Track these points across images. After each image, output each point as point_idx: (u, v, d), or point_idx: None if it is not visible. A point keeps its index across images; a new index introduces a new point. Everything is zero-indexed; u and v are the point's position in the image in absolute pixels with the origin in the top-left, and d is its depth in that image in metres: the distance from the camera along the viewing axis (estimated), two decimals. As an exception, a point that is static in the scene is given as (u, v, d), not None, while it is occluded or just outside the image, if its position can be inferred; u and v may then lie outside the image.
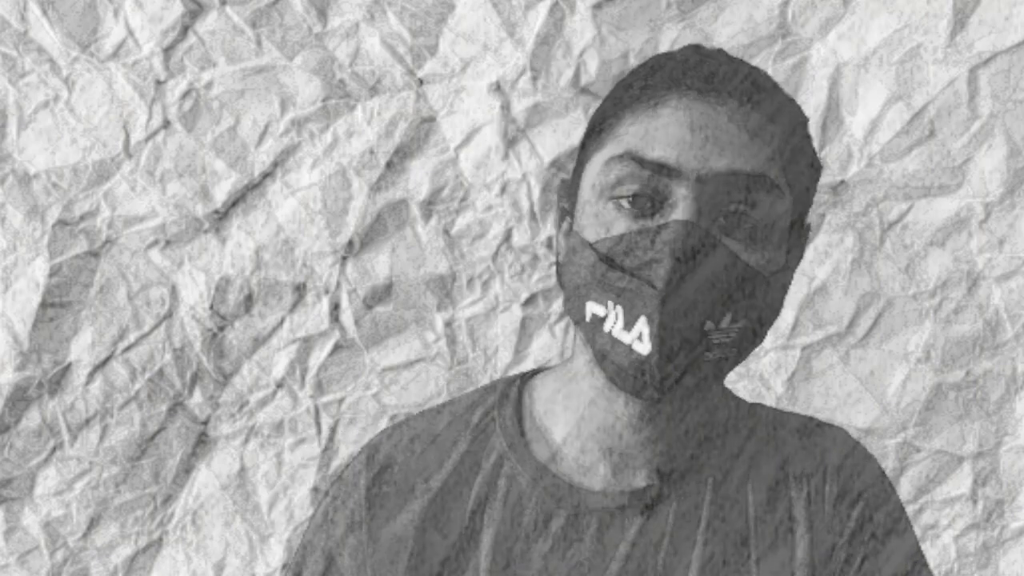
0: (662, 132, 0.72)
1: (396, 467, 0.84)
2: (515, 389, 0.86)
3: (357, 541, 0.84)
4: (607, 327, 0.73)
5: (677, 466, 0.81)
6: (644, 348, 0.71)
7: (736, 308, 0.72)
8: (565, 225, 0.80)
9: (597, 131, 0.78)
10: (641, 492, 0.81)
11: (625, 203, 0.73)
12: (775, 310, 0.78)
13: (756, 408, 0.90)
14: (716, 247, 0.70)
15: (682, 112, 0.72)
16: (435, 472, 0.83)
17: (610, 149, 0.75)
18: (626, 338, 0.72)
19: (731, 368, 0.78)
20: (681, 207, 0.71)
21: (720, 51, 0.77)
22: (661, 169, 0.71)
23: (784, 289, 0.78)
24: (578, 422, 0.81)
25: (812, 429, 0.88)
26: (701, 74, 0.74)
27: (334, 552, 0.85)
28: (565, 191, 0.82)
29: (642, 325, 0.71)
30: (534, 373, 0.89)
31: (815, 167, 0.79)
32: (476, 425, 0.85)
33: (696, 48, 0.77)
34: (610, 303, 0.73)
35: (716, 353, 0.73)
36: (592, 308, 0.74)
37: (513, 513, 0.80)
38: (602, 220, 0.74)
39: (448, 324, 1.79)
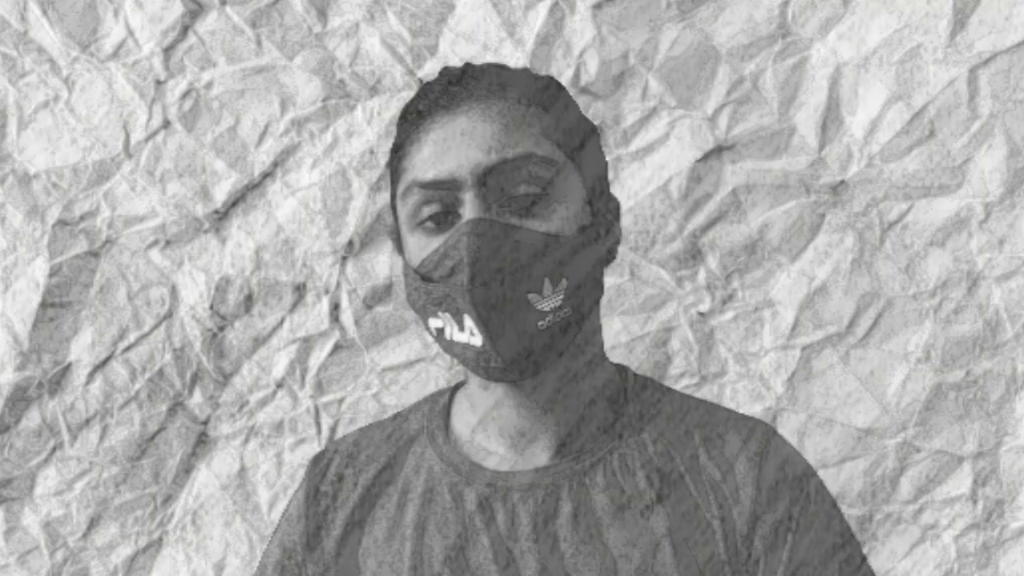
0: (430, 154, 0.80)
1: (333, 469, 0.92)
2: (446, 396, 0.93)
3: (302, 541, 0.91)
4: (448, 335, 0.81)
5: (577, 440, 0.86)
6: (477, 340, 0.79)
7: (551, 273, 0.78)
8: (401, 262, 0.87)
9: (391, 175, 0.86)
10: (544, 470, 0.85)
11: (429, 224, 0.80)
12: (600, 261, 0.84)
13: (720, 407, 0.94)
14: (506, 229, 0.77)
15: (439, 130, 0.80)
16: (367, 471, 0.90)
17: (401, 185, 0.83)
18: (463, 338, 0.80)
19: (579, 327, 0.83)
20: (468, 209, 0.78)
21: (465, 64, 0.85)
22: (442, 185, 0.79)
23: (607, 240, 0.85)
24: (477, 413, 0.88)
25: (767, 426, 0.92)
26: (444, 92, 0.82)
27: (287, 552, 0.92)
28: (392, 233, 0.89)
29: (468, 321, 0.79)
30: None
31: (584, 123, 0.86)
32: (409, 430, 0.92)
33: (442, 70, 0.86)
34: (440, 313, 0.81)
35: (552, 318, 0.79)
36: (433, 323, 0.82)
37: (430, 497, 0.87)
38: (418, 247, 0.81)
39: (448, 324, 1.79)
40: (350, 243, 1.78)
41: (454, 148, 0.79)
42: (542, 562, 0.83)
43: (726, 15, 1.74)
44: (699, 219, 1.75)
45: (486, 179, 0.78)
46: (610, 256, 0.87)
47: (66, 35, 1.78)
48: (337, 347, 1.80)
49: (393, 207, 0.86)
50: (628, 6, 1.75)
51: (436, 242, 0.80)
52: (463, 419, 0.90)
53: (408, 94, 1.78)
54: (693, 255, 1.75)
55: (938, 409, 1.74)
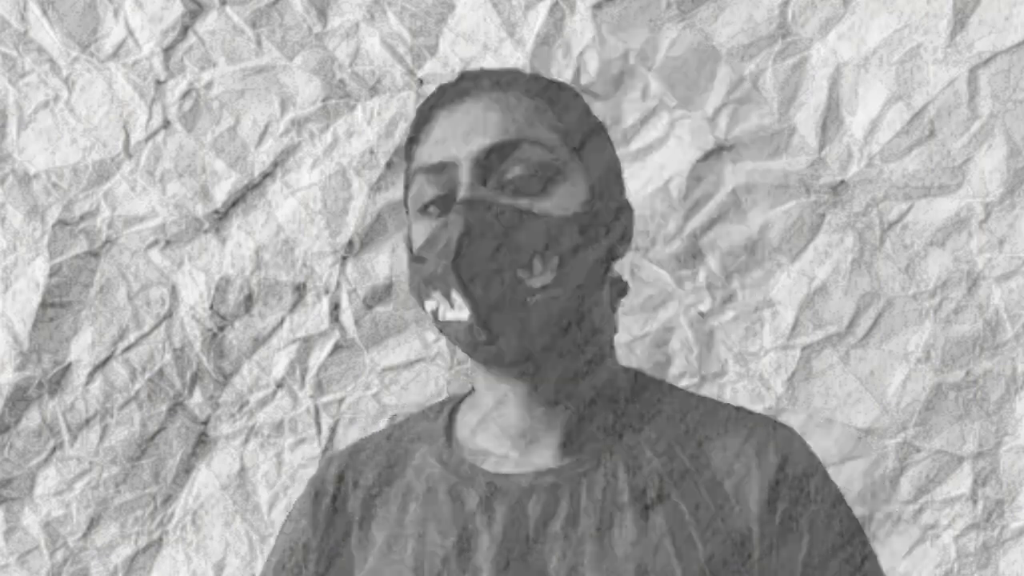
0: (435, 139, 0.83)
1: (337, 471, 0.92)
2: (454, 402, 0.94)
3: (303, 539, 0.91)
4: (441, 314, 0.82)
5: (577, 441, 0.86)
6: (464, 314, 0.79)
7: (541, 251, 0.79)
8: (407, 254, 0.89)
9: (405, 161, 0.89)
10: (545, 471, 0.85)
11: (432, 209, 0.83)
12: (598, 259, 0.84)
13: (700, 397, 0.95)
14: (496, 207, 0.79)
15: (445, 118, 0.84)
16: (367, 472, 0.91)
17: (409, 173, 0.86)
18: (452, 315, 0.80)
19: (577, 321, 0.83)
20: (462, 187, 0.80)
21: (481, 69, 0.89)
22: (442, 167, 0.82)
23: (606, 239, 0.85)
24: (479, 413, 0.89)
25: (771, 422, 0.92)
26: (456, 86, 0.86)
27: (288, 551, 0.92)
28: (406, 230, 0.90)
29: (455, 296, 0.79)
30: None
31: (589, 120, 0.88)
32: (412, 433, 0.93)
33: (462, 73, 0.89)
34: (432, 292, 0.82)
35: (541, 295, 0.79)
36: (428, 305, 0.83)
37: (431, 499, 0.87)
38: (419, 233, 0.84)
39: (448, 324, 1.79)
40: (350, 243, 1.78)
41: (456, 134, 0.82)
42: (541, 564, 0.83)
43: (726, 15, 1.74)
44: (699, 219, 1.75)
45: (483, 161, 0.81)
46: (612, 255, 0.87)
47: (66, 35, 1.78)
48: (337, 347, 1.80)
49: (405, 202, 0.88)
50: (628, 6, 1.75)
51: (437, 225, 0.82)
52: (466, 422, 0.90)
53: (408, 94, 1.78)
54: (693, 255, 1.75)
55: (938, 409, 1.74)
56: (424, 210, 0.83)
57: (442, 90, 0.87)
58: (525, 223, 0.79)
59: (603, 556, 0.84)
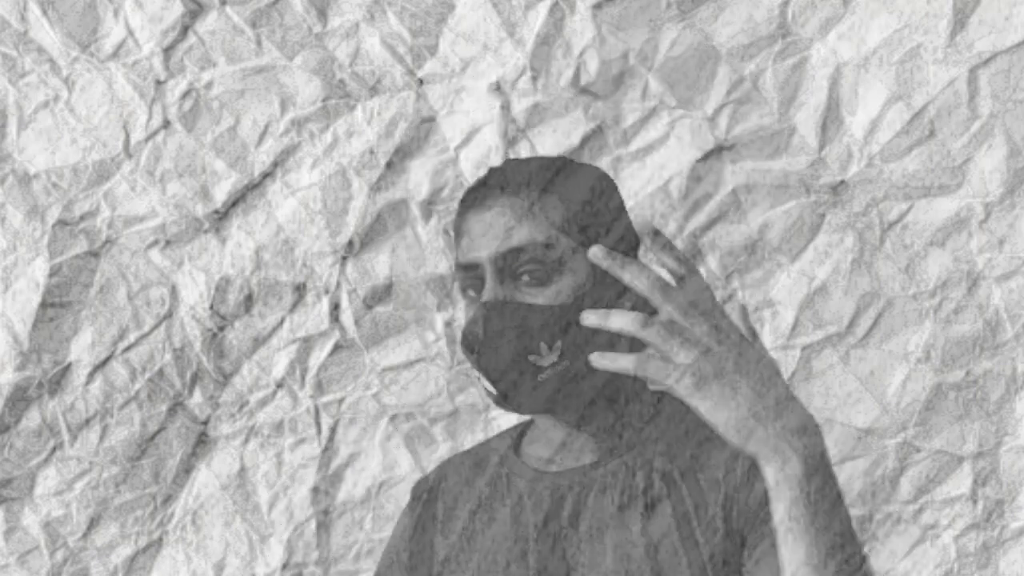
0: (466, 241, 1.04)
1: (432, 480, 1.15)
2: (528, 422, 1.13)
3: (406, 532, 1.13)
4: (481, 382, 1.04)
5: (577, 442, 1.05)
6: (493, 390, 1.01)
7: (547, 337, 0.99)
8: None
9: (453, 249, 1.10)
10: (583, 468, 1.02)
11: (471, 293, 1.03)
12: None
13: None
14: (509, 307, 0.99)
15: (473, 222, 1.04)
16: (456, 481, 1.13)
17: (457, 262, 1.07)
18: (487, 387, 1.02)
19: (589, 369, 1.00)
20: (486, 287, 1.01)
21: (507, 160, 1.08)
22: (473, 267, 1.02)
23: (606, 300, 1.04)
24: (534, 429, 1.09)
25: None
26: (479, 190, 1.05)
27: (397, 544, 1.14)
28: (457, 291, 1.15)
29: (484, 378, 1.02)
30: None
31: (600, 205, 1.06)
32: (493, 448, 1.13)
33: (490, 169, 1.08)
34: (473, 370, 1.04)
35: (551, 371, 0.99)
36: (473, 373, 1.06)
37: (496, 500, 1.07)
38: (465, 310, 1.05)
39: (448, 324, 1.80)
40: (350, 243, 1.78)
41: (478, 239, 1.02)
42: (543, 559, 0.98)
43: (726, 15, 1.74)
44: (699, 219, 1.75)
45: (500, 262, 1.00)
46: (627, 301, 1.04)
47: (66, 35, 1.78)
48: (337, 347, 1.80)
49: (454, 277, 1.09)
50: (628, 6, 1.75)
51: (473, 308, 1.02)
52: (528, 438, 1.10)
53: (408, 94, 1.78)
54: (693, 255, 1.75)
55: (938, 409, 1.74)
56: (466, 293, 1.04)
57: (472, 191, 1.07)
58: (534, 315, 0.99)
59: (602, 555, 0.92)
